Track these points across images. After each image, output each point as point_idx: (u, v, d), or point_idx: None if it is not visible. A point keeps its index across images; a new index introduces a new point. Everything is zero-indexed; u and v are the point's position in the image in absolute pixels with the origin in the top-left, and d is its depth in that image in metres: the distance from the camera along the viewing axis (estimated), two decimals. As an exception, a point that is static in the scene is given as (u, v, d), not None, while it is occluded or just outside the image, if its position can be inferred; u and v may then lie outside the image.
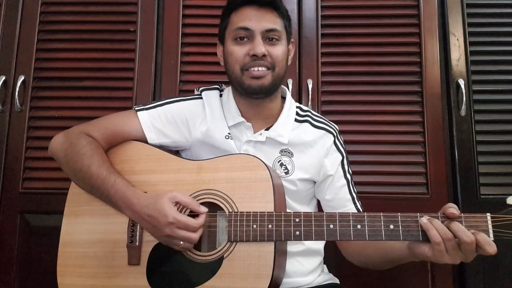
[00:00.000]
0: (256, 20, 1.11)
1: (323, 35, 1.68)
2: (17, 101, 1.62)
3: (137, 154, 1.14)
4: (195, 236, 0.98)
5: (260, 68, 1.12)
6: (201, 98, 1.23)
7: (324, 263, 1.26)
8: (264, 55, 1.10)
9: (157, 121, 1.18)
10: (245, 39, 1.12)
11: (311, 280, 1.16)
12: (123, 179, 1.06)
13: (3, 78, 1.64)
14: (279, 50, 1.13)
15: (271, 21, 1.12)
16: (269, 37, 1.12)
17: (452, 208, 0.89)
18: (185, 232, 0.96)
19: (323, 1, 1.70)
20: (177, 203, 1.00)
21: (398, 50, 1.67)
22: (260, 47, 1.10)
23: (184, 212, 1.01)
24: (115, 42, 1.71)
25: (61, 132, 1.16)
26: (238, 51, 1.12)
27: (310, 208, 1.23)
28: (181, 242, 0.97)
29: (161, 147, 1.19)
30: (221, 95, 1.24)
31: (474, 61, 1.65)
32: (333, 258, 1.36)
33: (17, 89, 1.63)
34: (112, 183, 1.04)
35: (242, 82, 1.13)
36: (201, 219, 0.99)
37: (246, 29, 1.11)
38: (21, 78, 1.64)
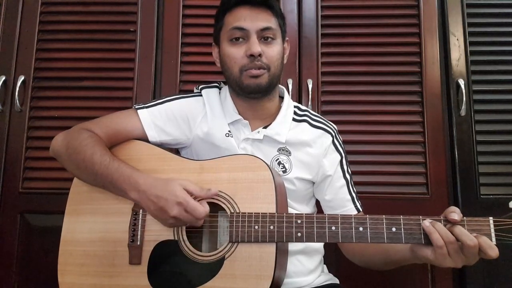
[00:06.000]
0: (251, 19, 1.12)
1: (323, 35, 1.68)
2: (17, 101, 1.62)
3: (139, 154, 1.13)
4: (200, 223, 0.98)
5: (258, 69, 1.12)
6: (201, 95, 1.23)
7: (324, 263, 1.26)
8: (260, 55, 1.11)
9: (158, 118, 1.18)
10: (240, 39, 1.13)
11: (312, 280, 1.16)
12: (128, 164, 1.06)
13: (3, 78, 1.64)
14: (274, 51, 1.14)
15: (266, 20, 1.13)
16: (264, 36, 1.13)
17: (454, 214, 0.88)
18: (192, 217, 0.96)
19: (323, 1, 1.70)
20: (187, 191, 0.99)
21: (398, 50, 1.67)
22: (256, 47, 1.10)
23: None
24: (115, 42, 1.70)
25: (61, 132, 1.16)
26: (236, 53, 1.13)
27: (309, 207, 1.24)
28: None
29: (162, 145, 1.19)
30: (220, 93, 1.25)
31: (474, 61, 1.65)
32: (333, 258, 1.36)
33: (17, 89, 1.62)
34: (116, 167, 1.04)
35: (241, 82, 1.14)
36: (207, 208, 0.98)
37: (241, 29, 1.12)
38: (21, 78, 1.64)
